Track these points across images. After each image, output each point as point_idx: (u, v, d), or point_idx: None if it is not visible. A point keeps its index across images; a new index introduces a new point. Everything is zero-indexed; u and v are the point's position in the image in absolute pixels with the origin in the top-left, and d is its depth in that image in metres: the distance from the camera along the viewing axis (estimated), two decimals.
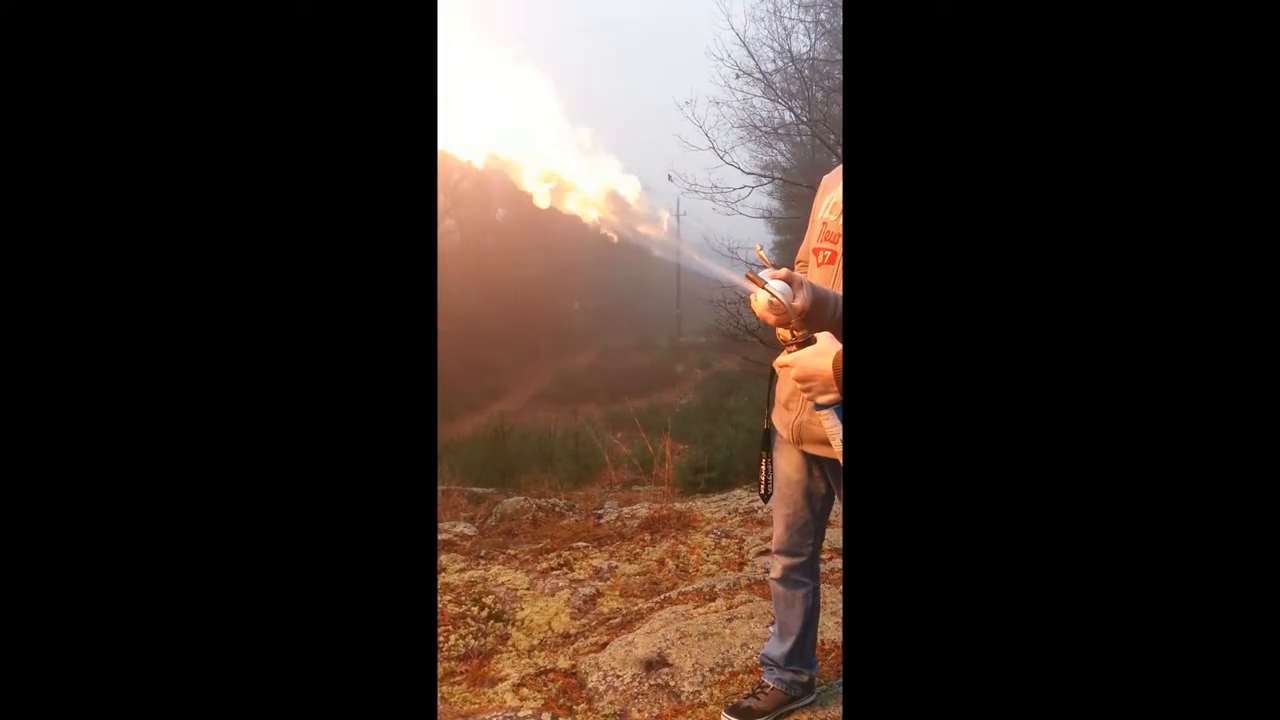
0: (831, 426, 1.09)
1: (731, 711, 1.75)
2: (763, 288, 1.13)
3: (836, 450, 1.10)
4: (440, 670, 2.14)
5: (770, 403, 1.58)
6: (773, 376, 1.52)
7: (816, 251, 1.47)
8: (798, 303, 1.12)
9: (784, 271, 1.15)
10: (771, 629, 1.78)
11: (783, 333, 1.14)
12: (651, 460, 4.91)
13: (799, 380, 1.08)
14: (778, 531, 1.66)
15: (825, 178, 1.57)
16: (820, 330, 1.11)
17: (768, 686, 1.75)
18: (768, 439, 1.57)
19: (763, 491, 1.56)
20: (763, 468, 1.56)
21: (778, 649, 1.72)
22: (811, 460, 1.57)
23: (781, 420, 1.56)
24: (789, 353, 1.10)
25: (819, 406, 1.09)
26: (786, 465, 1.61)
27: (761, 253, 1.31)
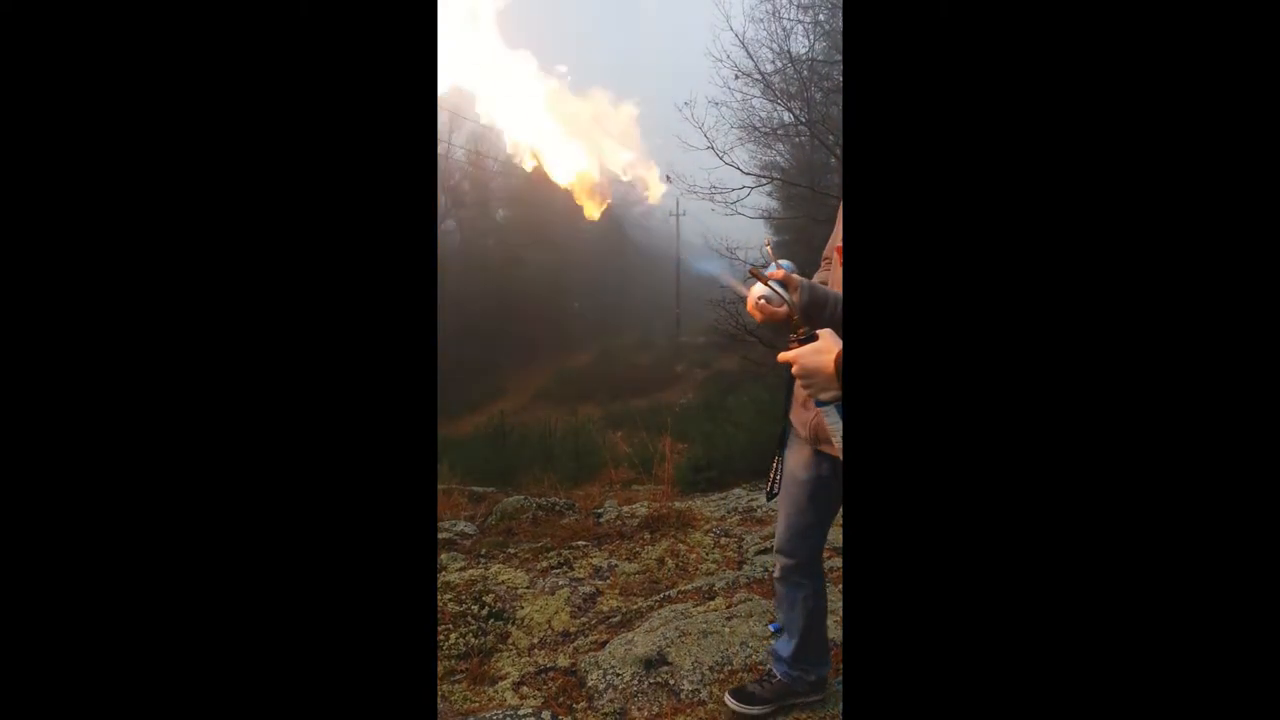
0: (832, 424, 1.10)
1: (735, 694, 1.77)
2: (765, 283, 1.14)
3: (837, 448, 1.11)
4: (440, 669, 2.14)
5: (788, 401, 1.58)
6: (790, 375, 1.53)
7: (840, 250, 1.47)
8: (783, 309, 1.18)
9: (780, 273, 1.19)
10: (772, 625, 1.79)
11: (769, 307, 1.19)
12: (651, 459, 4.91)
13: (800, 376, 1.09)
14: (779, 530, 1.66)
15: None
16: (822, 327, 1.12)
17: (774, 678, 1.76)
18: (783, 437, 1.57)
19: (769, 489, 1.56)
20: (774, 465, 1.56)
21: (785, 647, 1.73)
22: (824, 460, 1.55)
23: (800, 419, 1.55)
24: (791, 348, 1.12)
25: (820, 404, 1.10)
26: (795, 464, 1.59)
27: (770, 247, 1.35)
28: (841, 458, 1.09)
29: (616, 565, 2.89)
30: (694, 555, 2.99)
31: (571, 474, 6.09)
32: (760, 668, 1.95)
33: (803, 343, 1.10)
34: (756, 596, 2.40)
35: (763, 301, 1.20)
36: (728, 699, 1.77)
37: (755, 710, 1.74)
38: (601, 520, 3.61)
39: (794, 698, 1.75)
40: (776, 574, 1.69)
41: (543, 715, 1.81)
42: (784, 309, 1.18)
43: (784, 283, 1.19)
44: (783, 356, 1.13)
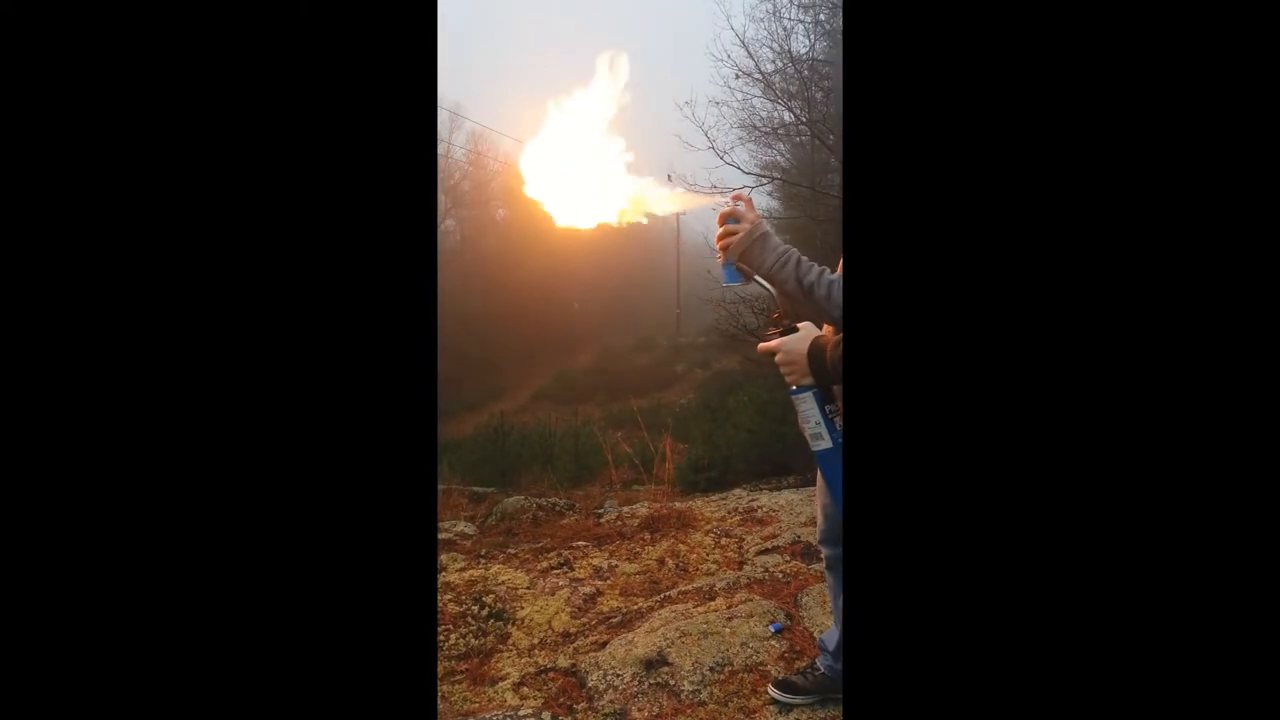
0: (807, 410, 1.13)
1: (778, 684, 1.79)
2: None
3: (808, 435, 1.14)
4: (440, 669, 2.14)
5: None
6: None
7: None
8: (747, 221, 1.28)
9: (730, 209, 1.30)
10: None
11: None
12: (652, 459, 4.91)
13: (781, 364, 1.14)
14: (819, 522, 1.69)
15: None
16: (800, 320, 1.20)
17: (818, 670, 1.78)
18: None
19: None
20: None
21: (833, 637, 1.74)
22: None
23: None
24: (771, 338, 1.18)
25: (796, 390, 1.14)
26: None
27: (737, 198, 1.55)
28: (811, 446, 1.14)
29: (617, 566, 2.89)
30: (694, 556, 2.99)
31: (572, 474, 6.08)
32: (760, 669, 1.95)
33: (783, 333, 1.16)
34: (757, 597, 2.40)
35: (723, 213, 1.33)
36: (771, 688, 1.79)
37: (798, 700, 1.76)
38: (602, 520, 3.60)
39: (837, 690, 1.76)
40: (825, 565, 1.71)
41: (543, 716, 1.81)
42: (748, 220, 1.31)
43: (733, 216, 1.31)
44: (763, 347, 1.19)
